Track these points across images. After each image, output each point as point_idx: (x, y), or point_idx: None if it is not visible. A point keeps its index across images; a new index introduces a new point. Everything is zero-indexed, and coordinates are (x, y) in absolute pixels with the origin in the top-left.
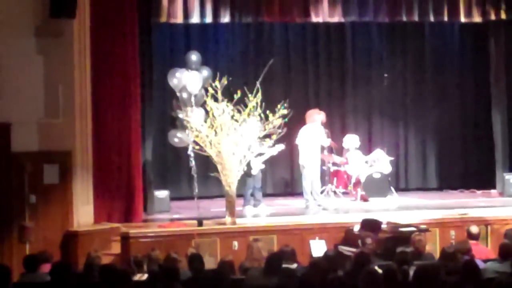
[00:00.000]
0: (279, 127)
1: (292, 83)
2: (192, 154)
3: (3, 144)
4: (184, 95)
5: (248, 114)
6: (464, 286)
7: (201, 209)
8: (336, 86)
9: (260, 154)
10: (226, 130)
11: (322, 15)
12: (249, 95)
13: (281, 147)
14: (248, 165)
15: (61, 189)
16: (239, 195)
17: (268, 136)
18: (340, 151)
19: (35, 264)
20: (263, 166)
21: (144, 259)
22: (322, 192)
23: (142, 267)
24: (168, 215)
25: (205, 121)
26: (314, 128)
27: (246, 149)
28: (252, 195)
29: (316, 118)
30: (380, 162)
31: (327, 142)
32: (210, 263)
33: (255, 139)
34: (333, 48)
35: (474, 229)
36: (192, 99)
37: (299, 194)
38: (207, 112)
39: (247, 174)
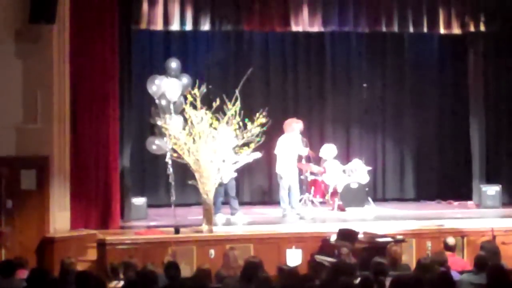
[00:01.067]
0: (257, 136)
1: (271, 91)
2: (170, 162)
3: None
4: (163, 102)
5: (227, 122)
6: None
7: (178, 216)
8: (315, 95)
9: (234, 163)
10: (204, 138)
11: (302, 24)
12: (228, 103)
13: (257, 155)
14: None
15: (38, 194)
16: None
17: (246, 144)
18: (317, 160)
19: (11, 269)
20: (235, 175)
21: (120, 266)
22: (299, 201)
23: (118, 274)
24: (145, 222)
25: (184, 129)
26: (292, 137)
27: (222, 157)
28: (227, 203)
29: (294, 127)
30: (358, 172)
31: (305, 151)
32: (186, 271)
33: (229, 148)
34: (312, 57)
35: (450, 240)
36: (171, 106)
37: (276, 203)
38: (185, 119)
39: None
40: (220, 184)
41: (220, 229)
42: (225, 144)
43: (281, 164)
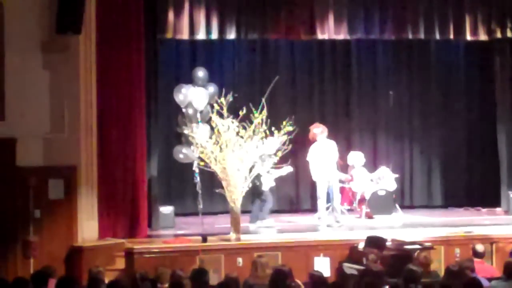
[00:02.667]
0: (284, 144)
1: (298, 100)
2: (197, 170)
3: (8, 159)
4: (190, 111)
5: (254, 131)
6: None
7: (205, 225)
8: (341, 103)
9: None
10: (231, 146)
11: (328, 32)
12: (255, 112)
13: (289, 169)
14: (259, 181)
15: (66, 204)
16: (246, 211)
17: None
18: (345, 168)
19: (44, 279)
20: (273, 184)
21: (150, 275)
22: (327, 209)
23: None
24: (173, 231)
25: (211, 137)
26: (324, 143)
27: (249, 165)
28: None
29: (324, 132)
30: (385, 179)
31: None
32: (214, 280)
33: (256, 157)
34: (338, 65)
35: (479, 247)
36: (198, 115)
37: (304, 211)
38: (212, 128)
39: (257, 190)
40: (260, 192)
41: (248, 237)
42: (252, 153)
43: (313, 171)
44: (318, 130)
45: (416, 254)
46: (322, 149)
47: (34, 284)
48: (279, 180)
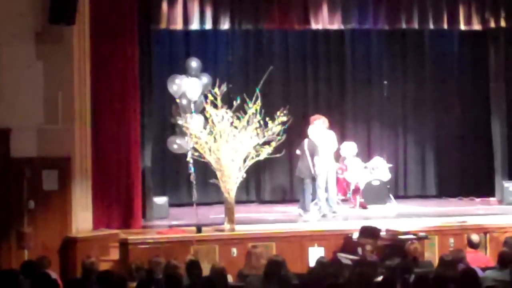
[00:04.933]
0: (278, 134)
1: (292, 90)
2: (191, 161)
3: (2, 150)
4: (184, 101)
5: (248, 121)
6: None
7: (200, 215)
8: (335, 93)
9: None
10: (225, 136)
11: (322, 22)
12: (249, 102)
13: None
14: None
15: (60, 195)
16: (240, 202)
17: (267, 143)
18: (337, 158)
19: (32, 270)
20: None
21: (145, 266)
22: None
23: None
24: (167, 222)
25: (205, 128)
26: (327, 134)
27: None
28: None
29: (326, 123)
30: (379, 169)
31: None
32: (208, 270)
33: (250, 147)
34: (332, 55)
35: (474, 237)
36: (192, 105)
37: (297, 201)
38: (206, 118)
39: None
40: (313, 179)
41: (242, 228)
42: (246, 143)
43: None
44: (319, 121)
45: (408, 244)
46: (322, 139)
47: (23, 274)
48: (272, 171)
